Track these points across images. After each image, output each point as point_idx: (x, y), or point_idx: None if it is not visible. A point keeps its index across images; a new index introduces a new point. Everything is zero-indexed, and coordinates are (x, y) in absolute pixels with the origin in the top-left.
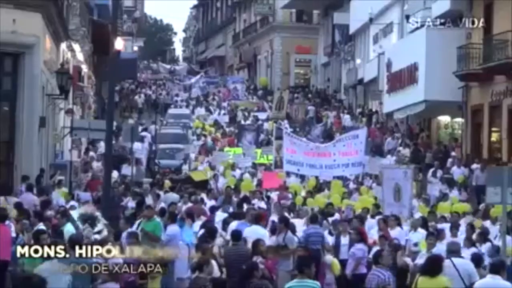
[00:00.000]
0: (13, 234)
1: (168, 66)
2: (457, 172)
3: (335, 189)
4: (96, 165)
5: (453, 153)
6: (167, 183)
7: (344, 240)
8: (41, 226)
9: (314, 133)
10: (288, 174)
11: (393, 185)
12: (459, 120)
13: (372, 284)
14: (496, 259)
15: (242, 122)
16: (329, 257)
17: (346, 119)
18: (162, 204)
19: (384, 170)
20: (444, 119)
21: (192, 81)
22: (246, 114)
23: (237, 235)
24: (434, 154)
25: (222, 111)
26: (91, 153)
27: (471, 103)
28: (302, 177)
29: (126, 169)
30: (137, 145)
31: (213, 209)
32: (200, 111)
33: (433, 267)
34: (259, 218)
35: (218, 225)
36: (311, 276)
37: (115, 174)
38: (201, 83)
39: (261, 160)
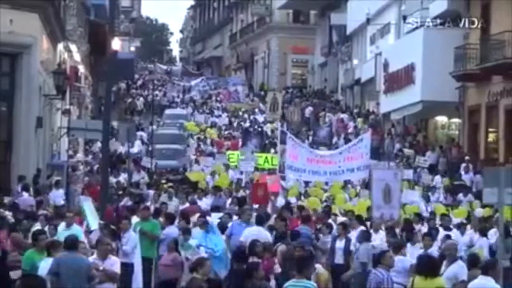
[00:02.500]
0: None
1: (164, 67)
2: (465, 178)
3: (335, 189)
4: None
5: (467, 157)
6: (164, 186)
7: (340, 243)
8: (38, 226)
9: (320, 134)
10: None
11: (382, 186)
12: (456, 120)
13: (372, 284)
14: (489, 259)
15: (242, 124)
16: (318, 266)
17: (344, 118)
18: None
19: (373, 171)
20: (441, 119)
21: (192, 84)
22: (247, 116)
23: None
24: (451, 159)
25: (224, 114)
26: (88, 158)
27: (468, 104)
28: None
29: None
30: (138, 148)
31: (212, 209)
32: (199, 117)
33: (430, 267)
34: (262, 220)
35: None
36: (309, 277)
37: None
38: (201, 86)
39: (265, 165)
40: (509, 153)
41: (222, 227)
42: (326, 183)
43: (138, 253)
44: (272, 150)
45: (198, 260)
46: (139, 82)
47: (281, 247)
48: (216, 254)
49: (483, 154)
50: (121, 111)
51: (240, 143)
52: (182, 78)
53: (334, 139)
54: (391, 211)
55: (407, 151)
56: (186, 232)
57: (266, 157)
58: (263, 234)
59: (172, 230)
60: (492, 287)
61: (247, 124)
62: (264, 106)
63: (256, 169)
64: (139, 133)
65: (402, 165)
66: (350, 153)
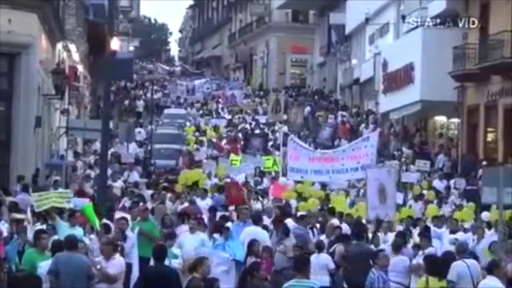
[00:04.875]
0: (5, 234)
1: (167, 67)
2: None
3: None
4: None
5: (484, 162)
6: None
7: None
8: (38, 225)
9: (321, 135)
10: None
11: (377, 186)
12: (455, 120)
13: (368, 285)
14: (492, 259)
15: (240, 125)
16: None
17: (338, 116)
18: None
19: (368, 171)
20: (440, 119)
21: (195, 83)
22: (247, 117)
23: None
24: (464, 164)
25: (226, 114)
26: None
27: (467, 103)
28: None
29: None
30: (132, 149)
31: (211, 210)
32: (200, 121)
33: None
34: (258, 220)
35: None
36: (308, 276)
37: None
38: (205, 88)
39: (274, 168)
40: (508, 153)
41: None
42: (324, 186)
43: (136, 253)
44: (277, 153)
45: (197, 259)
46: (139, 82)
47: (339, 248)
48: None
49: (482, 154)
50: (121, 112)
51: (242, 146)
52: (185, 78)
53: (336, 141)
54: (387, 211)
55: (405, 150)
56: (170, 237)
57: (274, 160)
58: (260, 234)
59: (183, 229)
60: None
61: (247, 126)
62: (262, 107)
63: (262, 172)
64: (137, 129)
65: (400, 165)
66: (354, 150)
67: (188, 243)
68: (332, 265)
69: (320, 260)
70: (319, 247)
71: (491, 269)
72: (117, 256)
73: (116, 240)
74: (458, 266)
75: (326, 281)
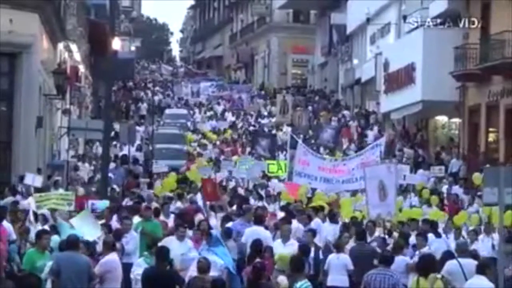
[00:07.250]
0: (14, 236)
1: (170, 68)
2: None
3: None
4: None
5: (487, 165)
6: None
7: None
8: (38, 225)
9: (323, 136)
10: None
11: (377, 184)
12: (457, 120)
13: (385, 284)
14: (483, 259)
15: (243, 127)
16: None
17: (346, 115)
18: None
19: (365, 169)
20: (442, 119)
21: (200, 86)
22: (250, 118)
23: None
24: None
25: (230, 116)
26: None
27: (468, 103)
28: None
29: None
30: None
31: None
32: (203, 126)
33: (432, 268)
34: (260, 219)
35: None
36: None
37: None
38: (211, 92)
39: (279, 173)
40: (509, 153)
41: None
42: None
43: (138, 253)
44: (281, 156)
45: (209, 263)
46: (141, 83)
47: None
48: (231, 267)
49: (483, 154)
50: (119, 113)
51: (247, 148)
52: (188, 79)
53: (345, 145)
54: (388, 209)
55: (407, 150)
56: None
57: (279, 164)
58: (263, 234)
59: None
60: (486, 287)
61: (251, 128)
62: (266, 108)
63: (268, 177)
64: (137, 127)
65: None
66: (363, 159)
67: (174, 250)
68: (351, 266)
69: (340, 261)
70: (338, 247)
71: (480, 268)
72: (109, 255)
73: (115, 240)
74: (449, 265)
75: (344, 281)
